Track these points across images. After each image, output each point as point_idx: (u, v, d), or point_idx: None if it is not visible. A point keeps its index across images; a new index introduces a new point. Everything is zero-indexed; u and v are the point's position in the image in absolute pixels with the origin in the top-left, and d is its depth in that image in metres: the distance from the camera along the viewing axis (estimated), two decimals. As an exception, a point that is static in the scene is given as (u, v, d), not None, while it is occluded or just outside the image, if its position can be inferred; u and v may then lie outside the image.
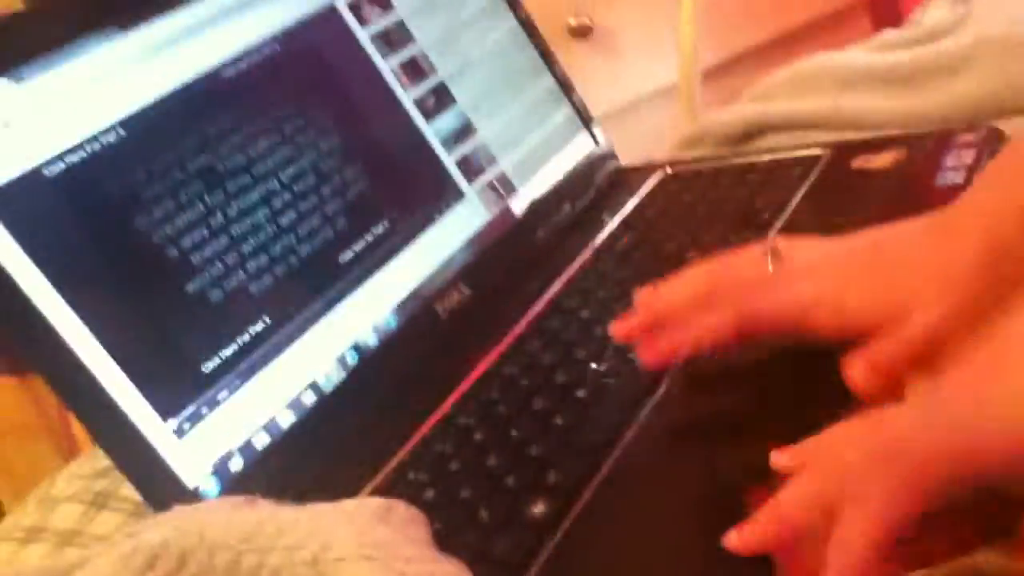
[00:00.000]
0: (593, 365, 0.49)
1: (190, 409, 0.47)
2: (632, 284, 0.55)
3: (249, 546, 0.29)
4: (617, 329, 0.46)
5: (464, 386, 0.53)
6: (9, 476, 1.18)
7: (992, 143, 0.53)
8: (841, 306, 0.39)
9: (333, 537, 0.30)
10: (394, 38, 0.62)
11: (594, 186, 0.71)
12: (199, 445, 0.47)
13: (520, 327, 0.57)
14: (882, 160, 0.57)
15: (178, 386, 0.47)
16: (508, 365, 0.53)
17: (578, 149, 0.72)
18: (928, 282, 0.37)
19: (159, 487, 0.45)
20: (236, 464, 0.48)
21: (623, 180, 0.73)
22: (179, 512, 0.34)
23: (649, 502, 0.40)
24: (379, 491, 0.47)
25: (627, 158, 0.79)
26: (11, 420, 1.21)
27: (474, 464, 0.46)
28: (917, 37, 0.79)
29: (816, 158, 0.62)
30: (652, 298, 0.46)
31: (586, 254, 0.63)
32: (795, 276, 0.42)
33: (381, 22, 0.62)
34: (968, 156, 0.52)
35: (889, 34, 0.85)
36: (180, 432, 0.46)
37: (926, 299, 0.36)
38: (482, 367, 0.54)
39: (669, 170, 0.70)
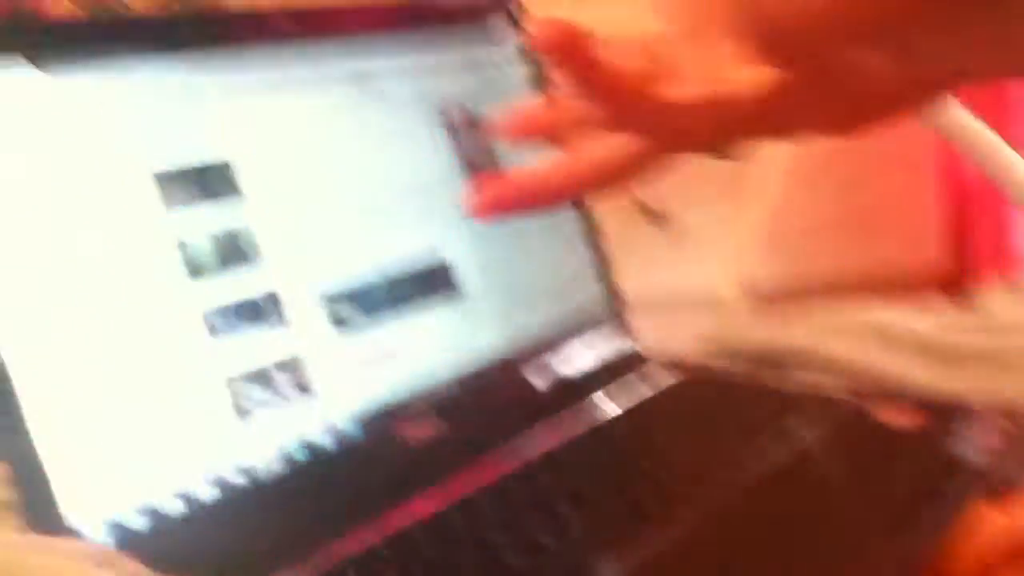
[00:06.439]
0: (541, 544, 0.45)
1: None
2: (619, 474, 0.51)
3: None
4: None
5: (400, 522, 0.48)
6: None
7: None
8: None
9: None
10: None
11: (605, 364, 0.68)
12: (95, 489, 0.43)
13: (479, 482, 0.52)
14: (905, 419, 0.53)
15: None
16: (451, 516, 0.49)
17: (599, 325, 0.69)
18: None
19: (41, 510, 0.41)
20: (138, 523, 0.44)
21: (637, 367, 0.69)
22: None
23: None
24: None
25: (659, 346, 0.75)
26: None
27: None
28: (987, 326, 0.75)
29: (838, 401, 0.58)
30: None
31: (578, 428, 0.59)
32: None
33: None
34: (995, 439, 0.48)
35: (949, 314, 0.81)
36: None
37: None
38: (426, 510, 0.49)
39: (688, 373, 0.67)
